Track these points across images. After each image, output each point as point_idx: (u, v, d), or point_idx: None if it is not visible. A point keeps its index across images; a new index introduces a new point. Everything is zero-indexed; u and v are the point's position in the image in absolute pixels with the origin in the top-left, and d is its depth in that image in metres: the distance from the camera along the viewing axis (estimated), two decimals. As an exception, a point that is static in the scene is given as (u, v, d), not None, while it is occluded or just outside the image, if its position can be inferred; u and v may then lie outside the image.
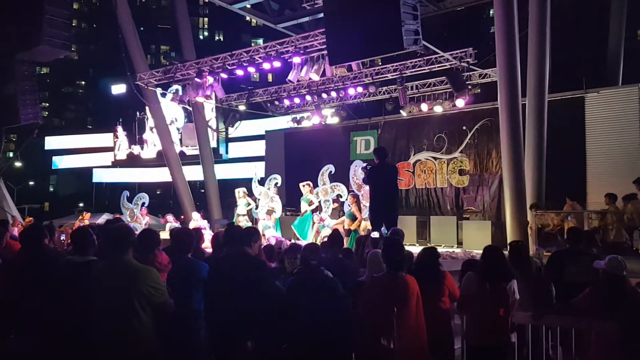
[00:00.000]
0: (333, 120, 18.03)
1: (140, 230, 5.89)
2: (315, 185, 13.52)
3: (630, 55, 18.60)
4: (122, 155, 30.72)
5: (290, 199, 15.93)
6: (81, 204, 46.80)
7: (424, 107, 15.46)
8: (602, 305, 4.36)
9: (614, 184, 12.26)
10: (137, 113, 29.50)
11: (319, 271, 4.52)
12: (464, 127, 15.32)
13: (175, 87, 17.12)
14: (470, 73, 14.71)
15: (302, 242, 12.01)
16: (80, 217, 15.62)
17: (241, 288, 4.21)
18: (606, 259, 4.57)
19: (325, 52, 12.88)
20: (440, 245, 12.80)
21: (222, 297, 4.26)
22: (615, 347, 4.18)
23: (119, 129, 30.63)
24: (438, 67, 14.03)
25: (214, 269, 4.48)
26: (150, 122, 27.34)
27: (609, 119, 13.22)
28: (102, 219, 19.03)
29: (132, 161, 30.60)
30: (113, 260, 3.77)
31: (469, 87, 14.55)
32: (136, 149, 30.00)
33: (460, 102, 14.45)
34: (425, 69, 14.41)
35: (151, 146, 28.85)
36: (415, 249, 5.99)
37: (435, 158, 15.92)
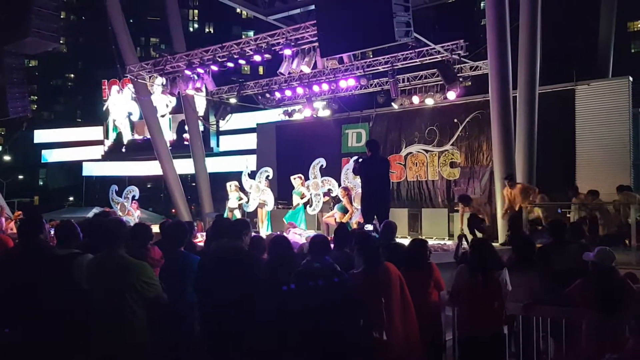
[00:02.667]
0: (324, 113, 17.99)
1: (133, 223, 5.88)
2: (307, 178, 13.51)
3: (620, 47, 18.72)
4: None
5: (282, 192, 15.89)
6: (71, 198, 46.59)
7: (416, 99, 15.46)
8: (593, 296, 4.40)
9: (604, 176, 12.35)
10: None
11: (329, 265, 4.37)
12: (455, 120, 15.34)
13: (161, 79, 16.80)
14: (462, 65, 14.71)
15: (294, 235, 12.02)
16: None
17: (232, 282, 4.15)
18: (595, 250, 4.62)
19: (316, 44, 12.83)
20: (432, 238, 12.84)
21: (213, 292, 4.21)
22: (606, 337, 4.21)
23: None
24: (429, 59, 14.02)
25: (203, 262, 4.44)
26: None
27: (599, 111, 13.27)
28: (92, 213, 18.92)
29: (129, 151, 30.26)
30: (106, 254, 3.78)
31: (460, 79, 14.55)
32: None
33: (451, 95, 14.45)
34: (416, 61, 14.40)
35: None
36: (407, 242, 6.00)
37: (426, 151, 15.94)
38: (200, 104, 23.58)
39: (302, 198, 13.17)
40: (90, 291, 3.74)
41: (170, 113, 27.62)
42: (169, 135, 26.85)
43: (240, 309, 4.11)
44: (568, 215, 11.72)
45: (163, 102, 26.00)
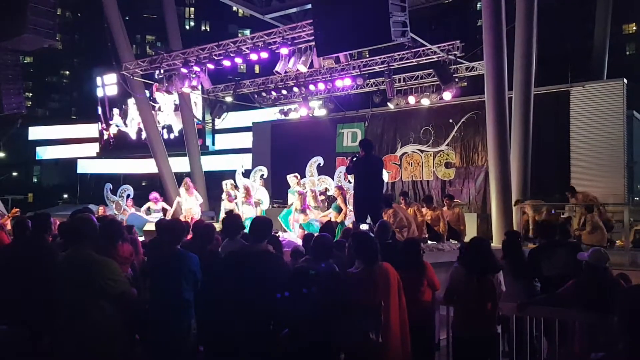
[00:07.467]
0: (320, 112, 17.99)
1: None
2: (303, 176, 13.48)
3: (615, 49, 18.81)
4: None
5: (276, 190, 15.89)
6: (65, 195, 46.40)
7: (411, 99, 15.50)
8: (585, 296, 4.42)
9: (598, 177, 12.43)
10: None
11: (329, 267, 4.29)
12: (451, 120, 15.39)
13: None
14: (457, 66, 14.76)
15: (289, 234, 12.04)
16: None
17: (258, 291, 3.97)
18: (589, 251, 4.65)
19: (312, 43, 12.83)
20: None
21: (230, 300, 4.09)
22: (598, 337, 4.24)
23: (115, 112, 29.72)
24: (425, 59, 14.06)
25: (220, 265, 4.37)
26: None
27: (594, 112, 13.35)
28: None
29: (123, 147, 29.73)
30: (72, 252, 3.78)
31: (456, 80, 14.60)
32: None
33: (447, 95, 14.49)
34: (412, 62, 14.44)
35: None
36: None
37: (421, 151, 15.99)
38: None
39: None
40: (58, 289, 3.73)
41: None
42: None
43: (255, 313, 4.02)
44: (562, 216, 11.79)
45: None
